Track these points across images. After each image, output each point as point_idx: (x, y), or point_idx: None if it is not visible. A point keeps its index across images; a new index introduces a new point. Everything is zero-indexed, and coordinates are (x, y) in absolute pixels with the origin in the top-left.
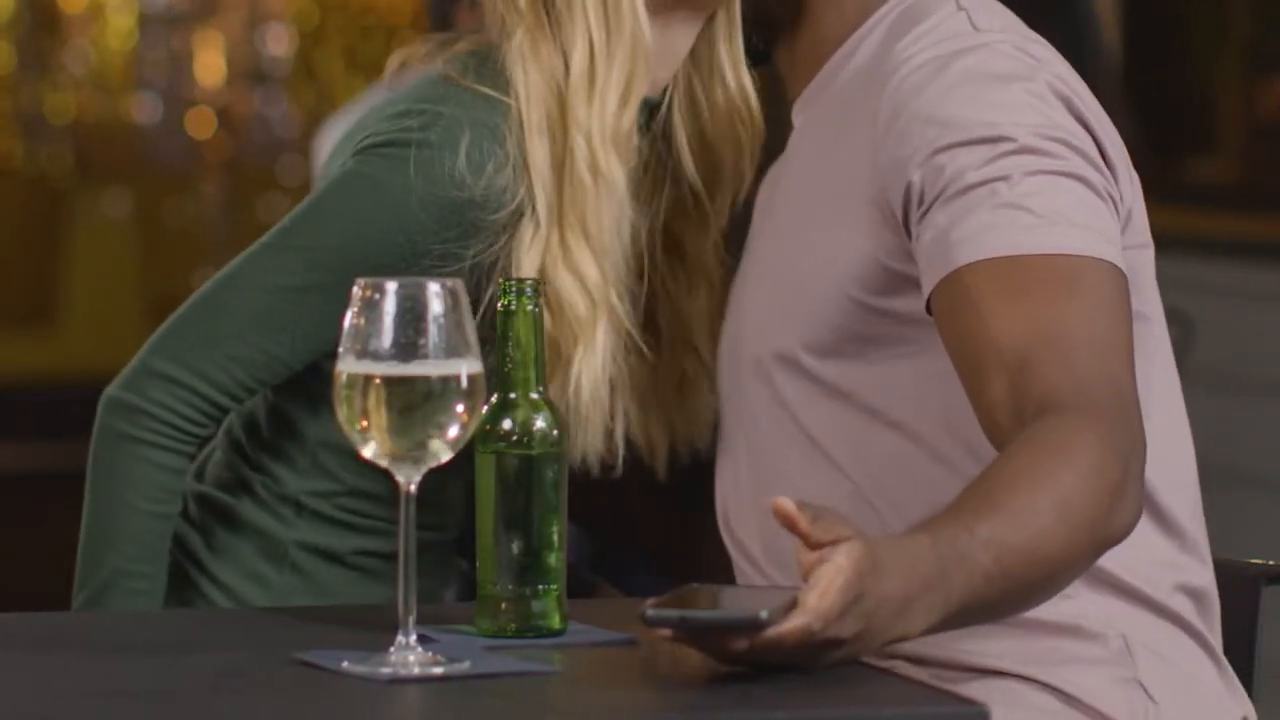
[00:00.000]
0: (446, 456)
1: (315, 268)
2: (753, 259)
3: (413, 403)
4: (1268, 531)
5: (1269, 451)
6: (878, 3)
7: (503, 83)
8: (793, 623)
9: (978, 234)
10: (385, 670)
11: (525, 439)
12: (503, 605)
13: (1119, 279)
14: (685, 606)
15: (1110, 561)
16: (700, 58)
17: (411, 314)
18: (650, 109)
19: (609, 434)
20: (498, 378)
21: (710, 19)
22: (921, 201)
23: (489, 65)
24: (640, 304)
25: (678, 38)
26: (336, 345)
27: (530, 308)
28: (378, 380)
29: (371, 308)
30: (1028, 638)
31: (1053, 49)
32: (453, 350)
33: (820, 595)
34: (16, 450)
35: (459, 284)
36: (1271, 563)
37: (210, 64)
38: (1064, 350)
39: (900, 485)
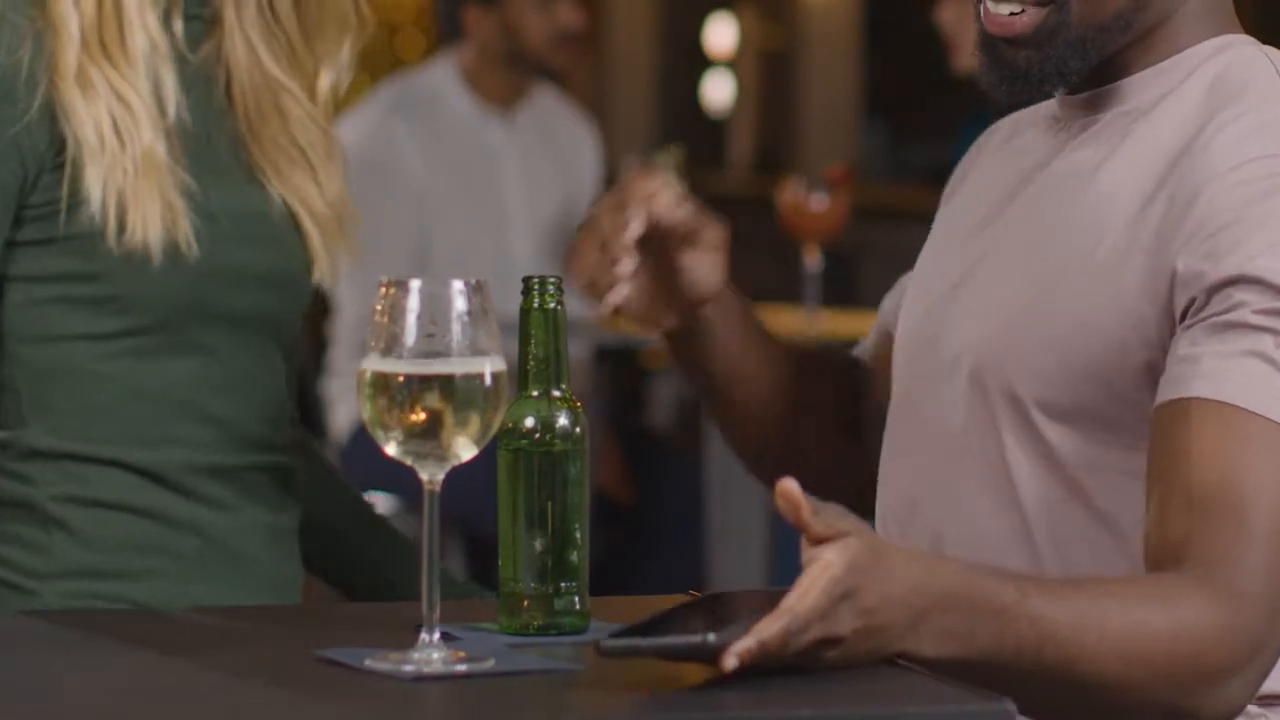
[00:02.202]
0: (470, 454)
1: None
2: (989, 249)
3: (436, 400)
4: None
5: None
6: (1187, 41)
7: None
8: (770, 627)
9: (1226, 375)
10: (409, 668)
11: (547, 436)
12: (525, 603)
13: None
14: (656, 629)
15: None
16: None
17: (435, 312)
18: None
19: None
20: (519, 375)
21: None
22: (1198, 312)
23: None
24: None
25: None
26: None
27: (552, 305)
28: (401, 378)
29: (395, 305)
30: None
31: None
32: (476, 348)
33: (800, 595)
34: None
35: (484, 282)
36: None
37: None
38: (1249, 522)
39: (1084, 570)
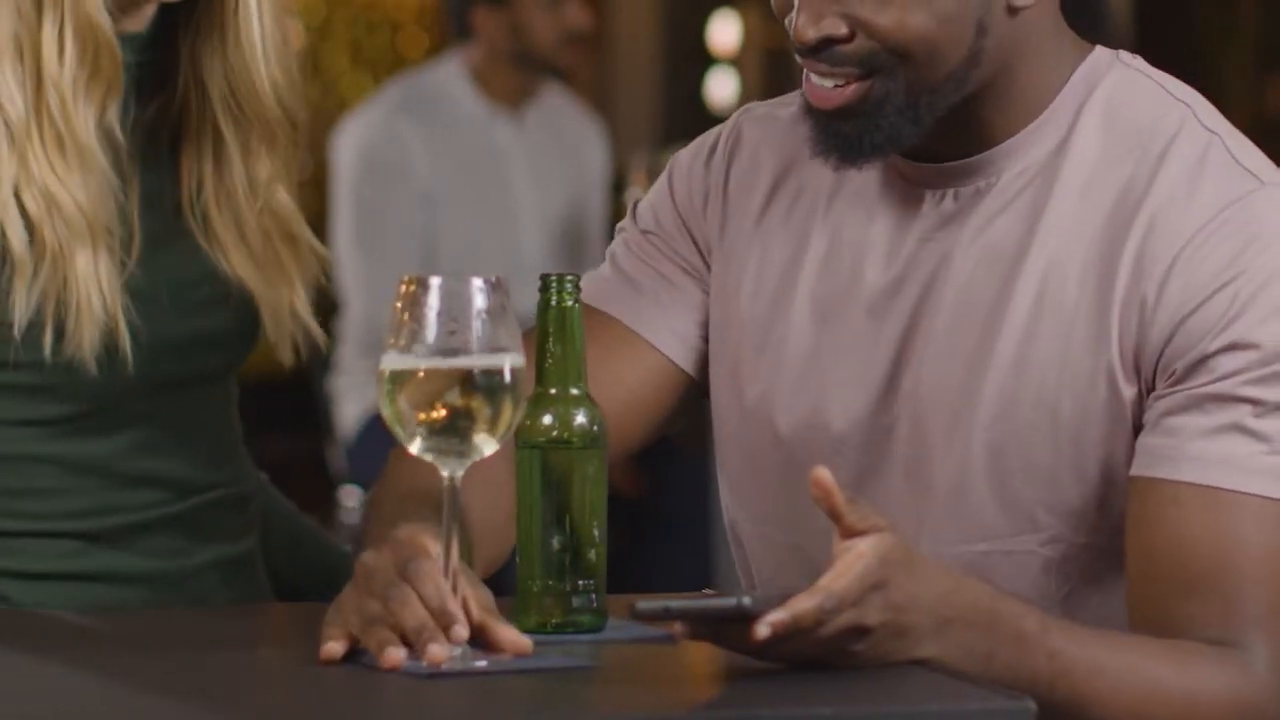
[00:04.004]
0: (489, 450)
1: None
2: (918, 337)
3: (456, 397)
4: None
5: None
6: (1048, 80)
7: None
8: (805, 602)
9: (1210, 457)
10: (426, 664)
11: (565, 434)
12: (543, 601)
13: None
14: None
15: None
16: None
17: (455, 309)
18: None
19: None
20: (538, 373)
21: None
22: (1177, 381)
23: None
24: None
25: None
26: None
27: (569, 303)
28: (421, 374)
29: (415, 303)
30: None
31: None
32: (496, 344)
33: (835, 576)
34: None
35: (502, 278)
36: None
37: None
38: (1249, 601)
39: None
